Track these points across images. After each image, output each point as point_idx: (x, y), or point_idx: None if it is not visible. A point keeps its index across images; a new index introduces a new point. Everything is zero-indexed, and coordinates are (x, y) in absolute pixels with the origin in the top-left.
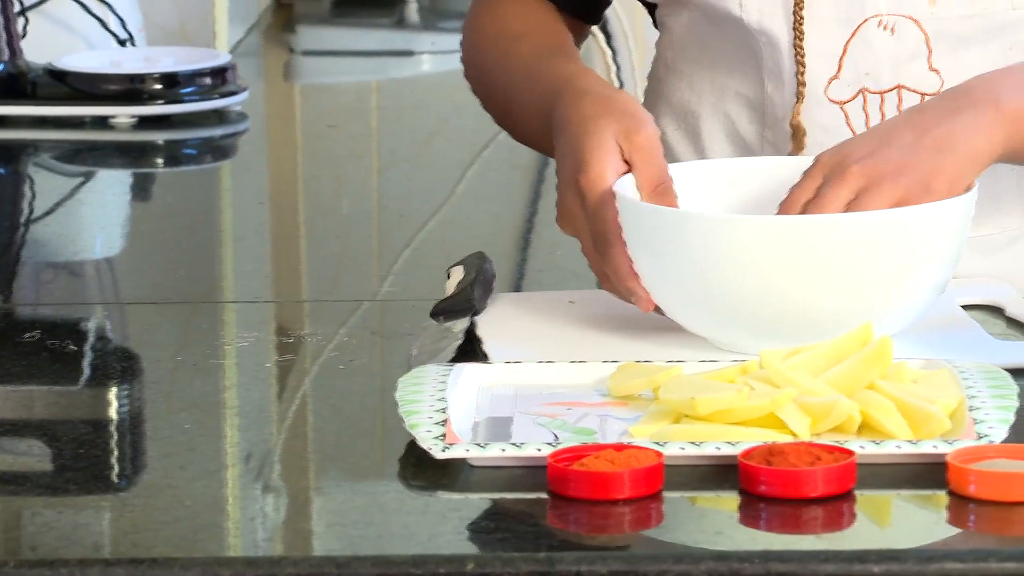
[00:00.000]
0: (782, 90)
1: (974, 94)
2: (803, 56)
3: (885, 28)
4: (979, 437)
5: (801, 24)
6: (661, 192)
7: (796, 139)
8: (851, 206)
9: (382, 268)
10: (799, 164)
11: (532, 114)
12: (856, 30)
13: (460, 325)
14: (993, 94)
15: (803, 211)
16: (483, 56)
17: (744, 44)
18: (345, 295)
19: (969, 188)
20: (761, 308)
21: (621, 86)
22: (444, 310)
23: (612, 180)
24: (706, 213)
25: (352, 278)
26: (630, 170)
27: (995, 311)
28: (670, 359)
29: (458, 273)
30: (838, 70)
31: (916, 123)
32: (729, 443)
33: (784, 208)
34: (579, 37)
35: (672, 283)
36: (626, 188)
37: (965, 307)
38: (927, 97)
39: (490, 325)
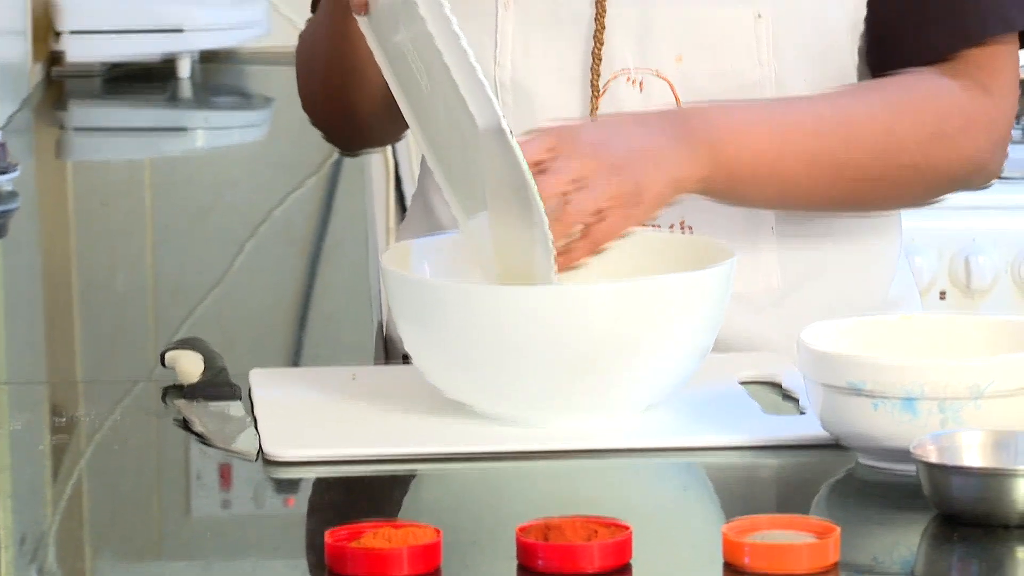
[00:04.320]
0: None
1: (694, 128)
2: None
3: (633, 84)
4: None
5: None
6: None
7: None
8: (566, 195)
9: (158, 345)
10: None
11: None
12: (606, 86)
13: (234, 409)
14: (710, 136)
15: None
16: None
17: None
18: (120, 373)
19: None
20: (523, 377)
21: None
22: (209, 394)
23: None
24: (462, 283)
25: (128, 356)
26: None
27: (773, 385)
28: (447, 430)
29: (190, 357)
30: None
31: (641, 130)
32: None
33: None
34: None
35: (434, 351)
36: (390, 259)
37: (744, 381)
38: None
39: (265, 397)
